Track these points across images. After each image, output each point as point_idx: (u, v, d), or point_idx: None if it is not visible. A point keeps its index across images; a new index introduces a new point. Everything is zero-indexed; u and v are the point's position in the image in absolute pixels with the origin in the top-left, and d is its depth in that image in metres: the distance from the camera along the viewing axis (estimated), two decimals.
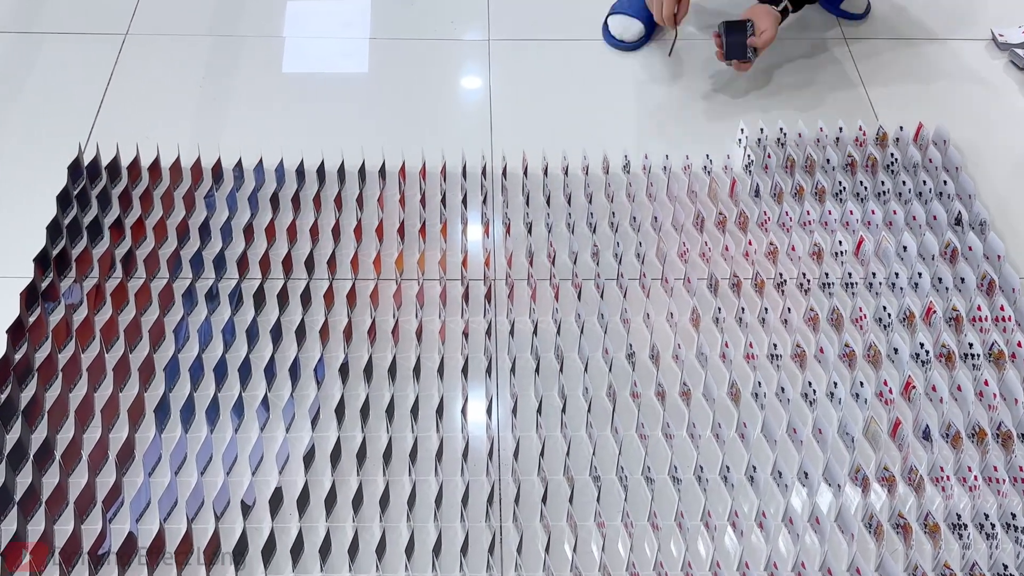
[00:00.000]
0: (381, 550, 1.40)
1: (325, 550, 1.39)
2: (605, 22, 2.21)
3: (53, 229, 1.72)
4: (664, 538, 1.44)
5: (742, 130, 1.97)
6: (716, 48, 2.02)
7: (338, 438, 1.50)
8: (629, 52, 2.18)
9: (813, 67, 2.20)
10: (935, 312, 1.68)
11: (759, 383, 1.59)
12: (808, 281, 1.75)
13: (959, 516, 1.44)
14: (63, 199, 1.76)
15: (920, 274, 1.74)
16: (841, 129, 1.96)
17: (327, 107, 2.06)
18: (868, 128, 1.96)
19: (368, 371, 1.59)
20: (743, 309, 1.69)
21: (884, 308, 1.70)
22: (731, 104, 2.09)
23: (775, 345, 1.64)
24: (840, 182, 1.89)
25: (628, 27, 2.19)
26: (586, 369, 1.61)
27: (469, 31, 2.27)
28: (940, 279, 1.74)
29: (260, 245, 1.77)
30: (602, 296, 1.71)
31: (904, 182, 1.89)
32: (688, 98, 2.10)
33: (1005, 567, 1.41)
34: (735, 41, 1.99)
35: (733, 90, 2.12)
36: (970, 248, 1.78)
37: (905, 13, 2.35)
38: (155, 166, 1.86)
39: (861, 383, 1.59)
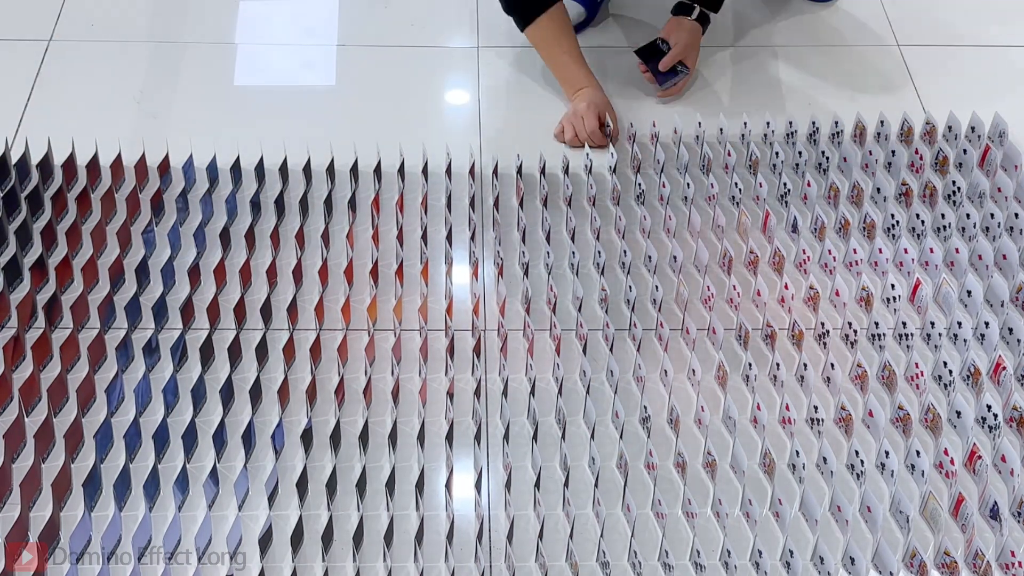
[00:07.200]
0: None
1: None
2: None
3: None
4: None
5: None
6: (649, 80, 2.23)
7: (300, 517, 1.56)
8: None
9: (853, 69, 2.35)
10: (1005, 368, 1.76)
11: (796, 452, 1.66)
12: (855, 332, 1.83)
13: None
14: None
15: (987, 324, 1.82)
16: (883, 123, 2.11)
17: (286, 127, 2.16)
18: (915, 122, 2.11)
19: (335, 438, 1.66)
20: (778, 365, 1.77)
21: (944, 364, 1.78)
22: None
23: (816, 408, 1.72)
24: (893, 215, 1.98)
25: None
26: (592, 436, 1.68)
27: (455, 37, 2.39)
28: (1011, 329, 1.83)
29: (208, 289, 1.85)
30: (611, 350, 1.79)
31: (968, 215, 1.98)
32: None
33: None
34: (658, 65, 2.20)
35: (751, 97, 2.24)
36: None
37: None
38: (84, 195, 1.95)
39: (917, 452, 1.66)
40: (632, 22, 2.35)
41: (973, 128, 2.10)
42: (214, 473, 1.60)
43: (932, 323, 1.83)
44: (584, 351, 1.78)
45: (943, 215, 1.99)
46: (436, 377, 1.75)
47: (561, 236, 1.96)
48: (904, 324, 1.83)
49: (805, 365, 1.76)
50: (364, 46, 2.34)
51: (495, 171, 2.05)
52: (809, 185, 2.03)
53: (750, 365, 1.77)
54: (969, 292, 1.87)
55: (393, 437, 1.66)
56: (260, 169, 2.01)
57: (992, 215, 1.98)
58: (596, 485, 1.61)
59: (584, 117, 2.10)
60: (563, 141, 2.13)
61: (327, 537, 1.54)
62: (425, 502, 1.60)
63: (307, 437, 1.65)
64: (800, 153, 2.09)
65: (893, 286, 1.88)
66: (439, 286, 1.88)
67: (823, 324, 1.82)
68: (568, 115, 2.14)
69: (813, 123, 2.14)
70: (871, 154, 2.07)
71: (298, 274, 1.86)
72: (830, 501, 1.62)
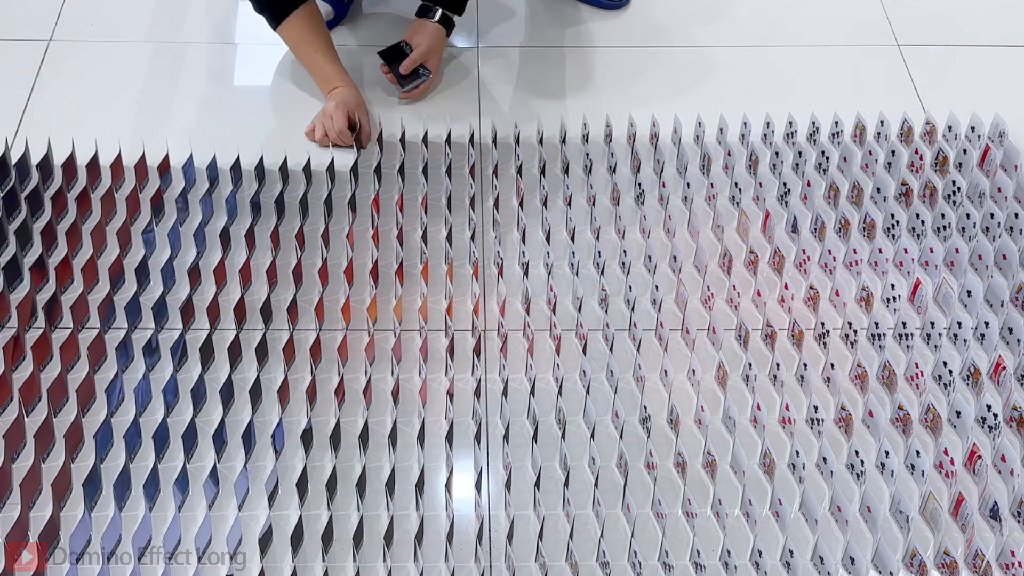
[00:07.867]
0: None
1: None
2: None
3: None
4: None
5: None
6: (392, 82, 2.23)
7: (300, 517, 1.57)
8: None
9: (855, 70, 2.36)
10: (1005, 368, 1.77)
11: (796, 452, 1.66)
12: (855, 332, 1.83)
13: None
14: None
15: (987, 324, 1.82)
16: (883, 123, 2.11)
17: (286, 127, 2.16)
18: (915, 122, 2.12)
19: (335, 438, 1.66)
20: (778, 365, 1.77)
21: (944, 364, 1.78)
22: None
23: (816, 408, 1.72)
24: (893, 215, 1.98)
25: None
26: (592, 436, 1.69)
27: (455, 37, 2.39)
28: (1011, 329, 1.83)
29: (208, 289, 1.85)
30: (611, 350, 1.79)
31: (968, 215, 1.98)
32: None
33: None
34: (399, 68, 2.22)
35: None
36: None
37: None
38: (84, 195, 1.95)
39: (917, 452, 1.66)
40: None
41: (973, 128, 2.10)
42: (214, 473, 1.60)
43: (932, 323, 1.83)
44: (584, 351, 1.79)
45: (943, 215, 1.99)
46: (436, 377, 1.76)
47: (561, 236, 1.97)
48: (904, 324, 1.84)
49: (805, 365, 1.76)
50: (363, 46, 2.35)
51: (495, 170, 2.05)
52: (809, 185, 2.04)
53: (750, 365, 1.77)
54: (969, 292, 1.88)
55: (393, 437, 1.66)
56: (260, 169, 2.01)
57: (992, 215, 1.98)
58: (596, 485, 1.61)
59: (333, 116, 2.09)
60: (314, 140, 2.12)
61: (327, 537, 1.54)
62: (425, 502, 1.61)
63: (307, 437, 1.66)
64: (800, 153, 2.09)
65: (893, 286, 1.89)
66: (439, 286, 1.88)
67: (823, 324, 1.83)
68: (319, 114, 2.13)
69: (813, 123, 2.14)
70: (871, 154, 2.08)
71: (298, 274, 1.87)
72: (830, 501, 1.62)
